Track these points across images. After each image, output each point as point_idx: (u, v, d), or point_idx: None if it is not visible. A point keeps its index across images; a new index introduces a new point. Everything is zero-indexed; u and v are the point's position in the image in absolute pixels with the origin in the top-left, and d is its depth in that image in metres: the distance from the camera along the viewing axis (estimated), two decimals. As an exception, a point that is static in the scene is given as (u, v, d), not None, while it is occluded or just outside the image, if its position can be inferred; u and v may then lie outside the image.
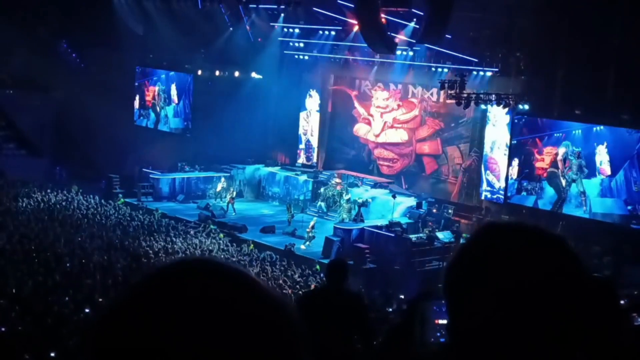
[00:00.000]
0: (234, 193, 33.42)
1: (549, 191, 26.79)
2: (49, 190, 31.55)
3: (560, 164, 26.43)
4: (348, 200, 30.63)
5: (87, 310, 16.56)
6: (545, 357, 1.35)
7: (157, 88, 38.74)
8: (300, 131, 36.26)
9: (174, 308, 1.05)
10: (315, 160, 35.89)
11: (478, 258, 1.43)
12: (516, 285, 1.36)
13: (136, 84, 39.35)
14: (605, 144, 25.30)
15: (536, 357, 1.35)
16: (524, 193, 27.49)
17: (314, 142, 36.03)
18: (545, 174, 26.85)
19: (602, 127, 25.44)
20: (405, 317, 1.51)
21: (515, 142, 27.63)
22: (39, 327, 14.87)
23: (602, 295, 2.25)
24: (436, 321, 1.57)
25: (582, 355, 1.37)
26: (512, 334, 1.35)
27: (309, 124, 36.19)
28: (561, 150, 26.38)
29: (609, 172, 25.19)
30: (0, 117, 37.76)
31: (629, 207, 24.74)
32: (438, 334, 1.54)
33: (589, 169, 25.74)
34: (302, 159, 36.15)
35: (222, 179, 34.38)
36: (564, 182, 26.37)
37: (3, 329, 14.16)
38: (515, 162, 27.59)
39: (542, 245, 1.41)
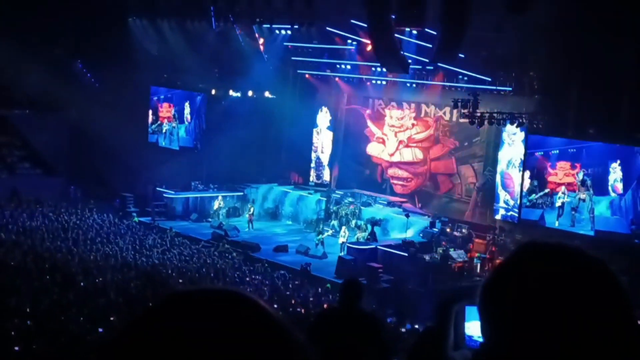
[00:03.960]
0: (252, 210, 33.52)
1: (559, 206, 26.69)
2: (63, 210, 31.67)
3: (572, 180, 26.34)
4: (363, 218, 30.66)
5: (100, 330, 16.56)
6: None
7: (170, 107, 38.90)
8: (312, 148, 36.38)
9: (185, 339, 1.07)
10: (326, 178, 35.91)
11: (516, 278, 1.40)
12: (554, 307, 1.34)
13: (152, 101, 39.49)
14: (618, 162, 25.22)
15: None
16: (534, 207, 27.37)
17: (324, 160, 36.07)
18: (557, 189, 26.76)
19: (616, 145, 25.37)
20: (438, 321, 1.50)
21: (528, 154, 27.55)
22: (53, 346, 14.88)
23: None
24: (466, 324, 1.57)
25: None
26: (548, 356, 1.34)
27: (320, 141, 36.27)
28: (575, 168, 26.29)
29: (621, 191, 25.10)
30: (16, 137, 38.01)
31: (633, 227, 24.65)
32: (468, 337, 1.54)
33: (601, 186, 25.64)
34: (312, 177, 36.18)
35: (219, 197, 34.52)
36: (574, 198, 26.25)
37: (17, 349, 14.18)
38: (527, 174, 27.50)
39: (583, 268, 1.39)
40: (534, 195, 27.29)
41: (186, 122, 38.38)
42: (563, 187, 26.49)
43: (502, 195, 28.92)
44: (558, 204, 26.60)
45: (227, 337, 1.08)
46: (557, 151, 26.89)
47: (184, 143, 38.43)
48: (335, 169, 35.93)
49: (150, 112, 39.50)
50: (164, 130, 39.26)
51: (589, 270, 1.39)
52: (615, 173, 25.27)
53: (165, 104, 39.16)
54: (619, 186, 25.18)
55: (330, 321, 7.45)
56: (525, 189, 27.50)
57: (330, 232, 30.66)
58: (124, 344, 1.10)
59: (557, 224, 26.51)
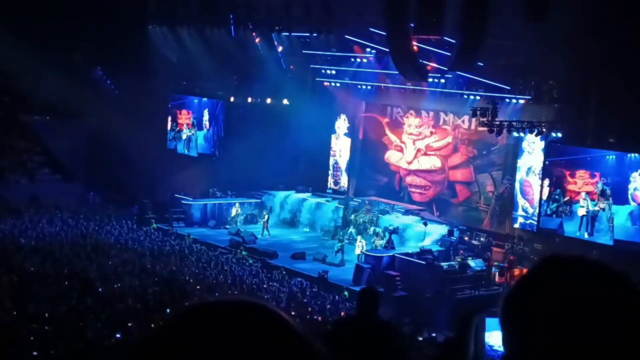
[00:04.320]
0: (267, 217, 33.59)
1: (578, 215, 26.53)
2: (82, 216, 31.85)
3: (591, 189, 26.18)
4: (380, 226, 30.64)
5: (118, 336, 16.62)
6: None
7: (189, 113, 39.08)
8: (331, 153, 36.43)
9: (205, 347, 1.08)
10: (344, 185, 35.91)
11: (539, 292, 1.40)
12: (576, 321, 1.34)
13: (171, 108, 39.70)
14: (639, 171, 25.06)
15: None
16: (553, 215, 27.22)
17: (342, 165, 36.07)
18: (576, 197, 26.61)
19: (636, 154, 25.22)
20: (458, 331, 1.50)
21: (547, 163, 27.42)
22: (71, 351, 14.95)
23: None
24: (487, 334, 1.57)
25: None
26: None
27: (338, 147, 36.31)
28: (594, 177, 26.14)
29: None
30: (35, 143, 38.29)
31: None
32: (488, 347, 1.54)
33: (621, 196, 25.47)
34: (330, 183, 36.19)
35: (237, 204, 34.61)
36: (594, 207, 26.08)
37: (35, 354, 14.26)
38: (546, 182, 27.37)
39: (605, 281, 1.38)
40: (555, 204, 27.13)
41: (205, 129, 38.53)
42: (584, 194, 26.29)
43: (521, 203, 28.80)
44: (582, 212, 26.39)
45: (250, 349, 1.08)
46: (577, 160, 26.75)
47: (203, 150, 38.58)
48: (353, 177, 35.91)
49: (169, 118, 39.70)
50: (182, 137, 39.44)
51: (612, 285, 1.38)
52: (636, 182, 25.11)
53: (184, 111, 39.35)
54: (639, 195, 25.03)
55: (347, 329, 7.45)
56: (545, 197, 27.37)
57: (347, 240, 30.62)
58: (147, 356, 1.10)
59: (578, 233, 26.30)
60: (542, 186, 27.49)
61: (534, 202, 28.17)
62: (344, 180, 36.16)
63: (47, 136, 37.80)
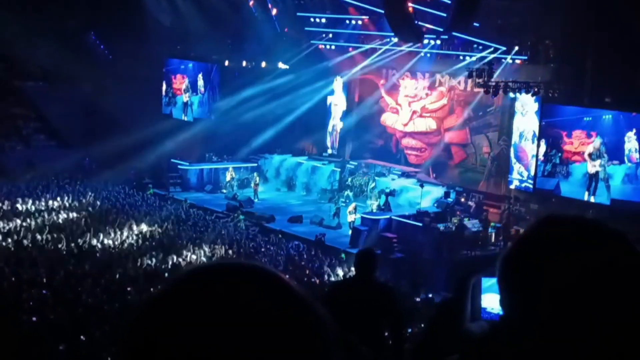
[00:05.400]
0: (258, 179, 33.61)
1: (576, 175, 26.55)
2: (78, 182, 31.83)
3: (589, 150, 26.16)
4: (377, 189, 30.68)
5: (116, 302, 16.70)
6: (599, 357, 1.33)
7: (184, 78, 38.90)
8: (331, 115, 36.25)
9: (206, 311, 1.08)
10: (338, 147, 35.71)
11: (536, 251, 1.40)
12: (574, 281, 1.34)
13: (164, 72, 39.50)
14: (634, 130, 25.04)
15: (589, 356, 1.33)
16: (550, 176, 27.24)
17: (339, 128, 35.92)
18: (573, 158, 26.61)
19: (632, 114, 25.19)
20: (456, 293, 1.52)
21: (544, 124, 27.36)
22: (71, 316, 15.02)
23: None
24: (483, 296, 1.58)
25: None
26: (565, 330, 1.33)
27: (334, 110, 36.11)
28: (590, 137, 26.11)
29: (637, 160, 24.96)
30: (31, 109, 38.12)
31: None
32: (484, 309, 1.55)
33: (617, 155, 25.47)
34: (329, 143, 35.98)
35: (230, 168, 34.59)
36: (591, 167, 26.09)
37: (35, 319, 14.33)
38: (543, 142, 27.31)
39: (602, 241, 1.38)
40: (550, 164, 27.14)
41: (199, 94, 38.37)
42: (586, 155, 26.25)
43: (516, 167, 28.80)
44: (575, 172, 26.39)
45: (250, 312, 1.08)
46: (573, 120, 26.69)
47: (198, 115, 38.45)
48: (350, 140, 35.83)
49: (164, 83, 39.51)
50: (177, 102, 39.29)
51: (609, 243, 1.38)
52: (631, 142, 25.10)
53: (179, 76, 39.15)
54: (635, 156, 25.02)
55: (344, 291, 7.49)
56: (542, 158, 27.33)
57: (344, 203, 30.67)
58: (147, 320, 1.10)
59: (587, 194, 26.19)
60: (538, 146, 27.46)
61: (528, 166, 28.16)
62: (342, 145, 36.01)
63: (41, 103, 37.62)
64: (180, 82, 39.11)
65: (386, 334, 7.52)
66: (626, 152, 25.24)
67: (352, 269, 12.92)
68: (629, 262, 1.37)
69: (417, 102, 33.19)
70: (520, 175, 28.68)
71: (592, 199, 25.98)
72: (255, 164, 35.43)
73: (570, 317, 1.33)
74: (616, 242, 1.39)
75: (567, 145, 26.88)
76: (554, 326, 1.34)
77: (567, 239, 1.39)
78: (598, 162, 25.86)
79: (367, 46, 33.70)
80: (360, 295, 7.13)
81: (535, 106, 27.65)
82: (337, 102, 35.99)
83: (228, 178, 34.49)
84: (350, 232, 27.68)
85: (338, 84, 35.78)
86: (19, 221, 24.68)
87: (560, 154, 27.00)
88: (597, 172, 25.95)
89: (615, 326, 1.32)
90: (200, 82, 38.25)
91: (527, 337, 1.38)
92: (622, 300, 1.33)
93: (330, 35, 34.31)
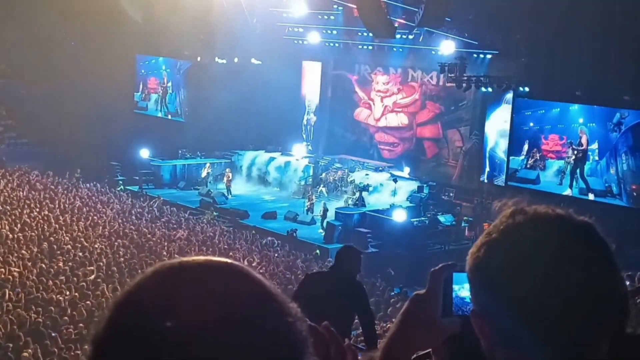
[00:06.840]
0: (231, 175, 33.50)
1: (551, 169, 26.89)
2: (49, 179, 31.54)
3: (561, 149, 26.56)
4: (351, 184, 30.73)
5: (88, 300, 16.61)
6: (565, 353, 1.33)
7: (157, 76, 38.73)
8: (306, 110, 36.27)
9: (174, 308, 1.07)
10: (312, 142, 35.76)
11: (504, 245, 1.40)
12: (543, 274, 1.33)
13: (138, 69, 39.33)
14: (587, 125, 25.85)
15: (555, 350, 1.34)
16: (531, 168, 27.58)
17: (312, 122, 35.94)
18: (549, 155, 26.94)
19: (599, 107, 25.58)
20: (427, 288, 1.53)
21: (518, 122, 27.63)
22: (43, 315, 14.93)
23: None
24: (456, 291, 1.59)
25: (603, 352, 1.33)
26: (532, 321, 1.33)
27: (307, 105, 36.12)
28: (562, 139, 26.57)
29: (597, 157, 25.56)
30: (1, 107, 37.74)
31: (606, 185, 25.37)
32: (456, 304, 1.56)
33: (585, 152, 25.98)
34: (303, 136, 35.99)
35: (207, 164, 34.49)
36: (565, 163, 26.45)
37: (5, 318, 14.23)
38: (527, 143, 27.56)
39: (571, 231, 1.38)
40: (526, 159, 27.52)
41: (172, 90, 38.20)
42: (555, 152, 26.80)
43: (489, 161, 28.95)
44: (555, 168, 26.85)
45: (222, 309, 1.07)
46: (550, 126, 27.07)
47: (172, 110, 38.30)
48: (323, 135, 35.85)
49: (138, 80, 39.30)
50: (151, 99, 39.11)
51: (577, 234, 1.38)
52: (583, 138, 25.75)
53: (153, 79, 39.07)
54: (597, 154, 25.65)
55: (317, 282, 7.56)
56: (523, 155, 27.64)
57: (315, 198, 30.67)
58: (115, 318, 1.10)
59: (568, 190, 26.69)
60: (510, 140, 27.70)
61: (501, 160, 28.38)
62: (316, 138, 36.03)
63: (12, 100, 37.28)
64: (155, 83, 39.04)
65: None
66: (584, 145, 25.83)
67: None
68: (598, 250, 1.37)
69: (389, 98, 33.29)
70: (492, 168, 28.86)
71: (568, 192, 26.35)
72: (229, 160, 35.32)
73: (537, 307, 1.33)
74: (584, 231, 1.39)
75: (544, 145, 27.22)
76: (521, 317, 1.35)
77: (535, 231, 1.38)
78: (572, 157, 26.33)
79: (340, 41, 33.68)
80: (331, 286, 7.21)
81: (508, 98, 27.84)
82: (310, 97, 35.96)
83: (204, 174, 34.32)
84: (320, 230, 27.70)
85: (310, 79, 35.73)
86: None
87: (540, 153, 27.31)
88: (568, 166, 26.36)
89: (585, 314, 1.33)
90: (173, 78, 38.09)
91: (487, 328, 1.39)
92: (591, 289, 1.33)
93: (302, 30, 34.20)
